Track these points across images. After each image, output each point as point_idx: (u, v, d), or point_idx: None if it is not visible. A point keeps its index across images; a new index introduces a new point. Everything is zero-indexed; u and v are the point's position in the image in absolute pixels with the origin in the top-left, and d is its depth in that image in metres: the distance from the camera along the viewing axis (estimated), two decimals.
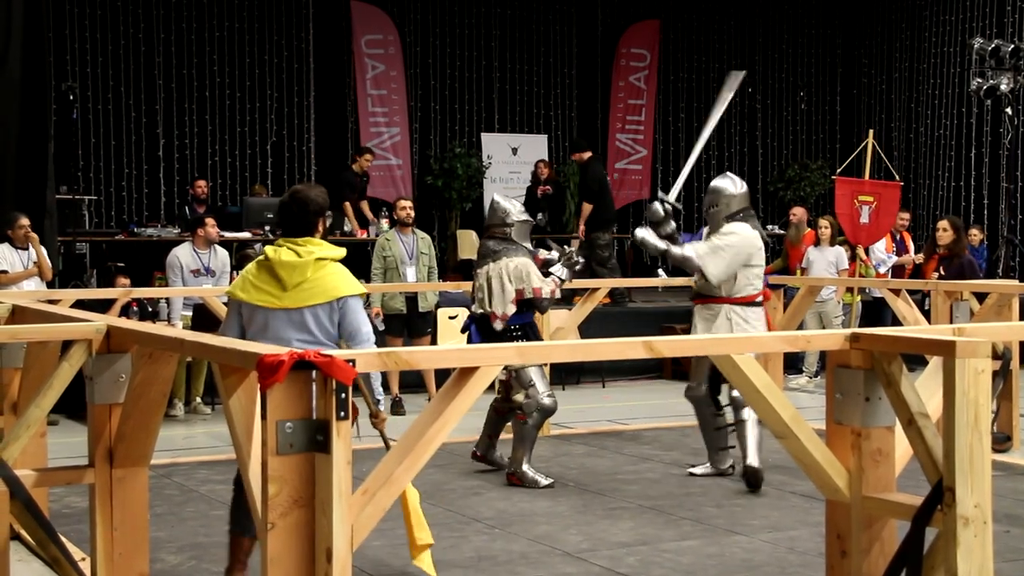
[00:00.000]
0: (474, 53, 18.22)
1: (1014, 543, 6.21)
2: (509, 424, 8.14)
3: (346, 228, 14.26)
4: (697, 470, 8.10)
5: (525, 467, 7.82)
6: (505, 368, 7.73)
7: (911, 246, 13.91)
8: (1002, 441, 8.75)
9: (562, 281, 8.05)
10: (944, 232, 10.97)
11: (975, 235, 13.93)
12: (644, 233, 8.00)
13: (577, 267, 8.25)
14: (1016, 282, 10.04)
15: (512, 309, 7.72)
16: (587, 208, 14.23)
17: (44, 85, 11.79)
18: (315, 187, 5.40)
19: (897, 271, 13.38)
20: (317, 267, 5.12)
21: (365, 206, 14.92)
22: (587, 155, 14.41)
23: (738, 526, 6.68)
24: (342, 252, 5.25)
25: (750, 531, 6.57)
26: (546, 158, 17.95)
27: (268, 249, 5.22)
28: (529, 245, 7.99)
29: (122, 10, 16.02)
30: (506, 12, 18.44)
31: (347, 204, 14.48)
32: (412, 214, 11.29)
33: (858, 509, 4.22)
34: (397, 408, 10.97)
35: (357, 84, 17.23)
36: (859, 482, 4.20)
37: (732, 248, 7.68)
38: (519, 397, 8.05)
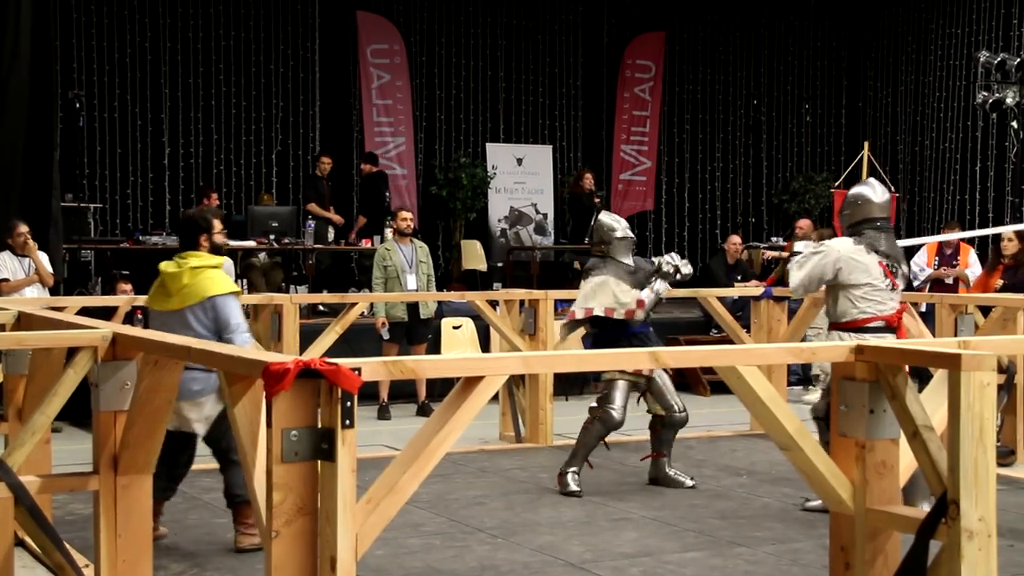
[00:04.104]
0: (479, 63, 18.23)
1: (1018, 557, 6.19)
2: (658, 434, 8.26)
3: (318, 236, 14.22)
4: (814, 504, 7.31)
5: (570, 473, 7.96)
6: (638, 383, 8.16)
7: (969, 260, 12.98)
8: (1006, 455, 8.74)
9: (656, 294, 8.15)
10: (1009, 242, 10.88)
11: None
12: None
13: (679, 277, 8.29)
14: (1022, 296, 10.00)
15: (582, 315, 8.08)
16: (362, 220, 14.77)
17: (50, 93, 11.77)
18: (200, 210, 6.73)
19: (939, 286, 12.56)
20: (193, 274, 6.18)
21: (331, 212, 14.89)
22: (373, 169, 14.93)
23: (741, 538, 6.68)
24: (220, 260, 6.34)
25: (754, 543, 6.56)
26: (551, 169, 17.99)
27: (161, 264, 6.36)
28: (629, 261, 8.19)
29: (129, 19, 16.03)
30: (512, 22, 18.45)
31: (312, 205, 14.67)
32: (412, 225, 11.63)
33: (862, 521, 4.22)
34: (383, 414, 11.11)
35: (362, 94, 17.24)
36: (863, 494, 4.21)
37: (814, 259, 7.17)
38: (658, 409, 8.22)
